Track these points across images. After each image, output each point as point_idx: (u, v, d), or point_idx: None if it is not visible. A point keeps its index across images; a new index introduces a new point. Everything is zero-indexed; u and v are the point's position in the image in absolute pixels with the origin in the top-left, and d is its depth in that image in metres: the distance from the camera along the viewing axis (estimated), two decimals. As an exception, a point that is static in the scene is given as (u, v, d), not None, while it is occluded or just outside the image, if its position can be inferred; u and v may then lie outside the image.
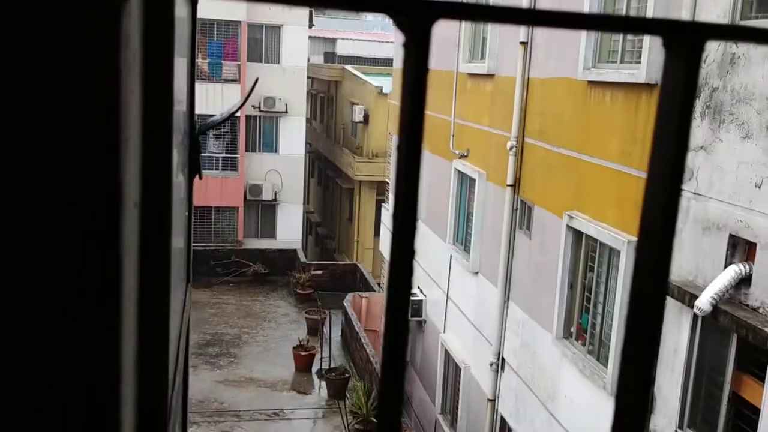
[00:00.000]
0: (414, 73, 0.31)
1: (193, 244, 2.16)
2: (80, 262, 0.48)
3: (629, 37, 8.12)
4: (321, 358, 17.22)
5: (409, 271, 0.40)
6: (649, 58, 7.34)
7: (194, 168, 1.63)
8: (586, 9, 8.60)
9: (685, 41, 0.32)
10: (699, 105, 6.64)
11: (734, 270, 5.96)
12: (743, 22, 6.23)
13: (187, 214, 1.67)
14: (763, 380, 5.82)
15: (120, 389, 0.55)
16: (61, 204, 0.47)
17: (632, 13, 8.05)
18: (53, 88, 0.46)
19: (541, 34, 10.06)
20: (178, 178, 1.30)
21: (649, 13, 7.37)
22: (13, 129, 0.46)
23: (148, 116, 0.55)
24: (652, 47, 7.32)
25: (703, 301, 6.03)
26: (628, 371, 0.47)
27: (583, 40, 8.62)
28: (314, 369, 17.38)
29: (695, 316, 6.45)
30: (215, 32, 24.88)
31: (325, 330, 18.05)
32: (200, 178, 1.67)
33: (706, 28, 0.33)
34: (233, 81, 24.78)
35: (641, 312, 0.45)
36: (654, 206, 0.41)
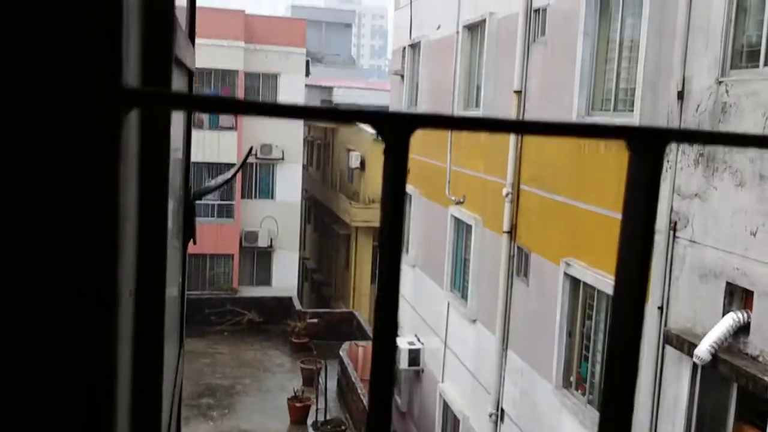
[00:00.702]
0: (393, 177, 0.33)
1: (187, 293, 2.16)
2: (76, 353, 0.49)
3: (622, 85, 8.26)
4: (317, 410, 16.93)
5: (392, 344, 0.41)
6: (642, 106, 7.45)
7: (188, 233, 1.65)
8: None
9: (646, 145, 0.34)
10: (693, 153, 6.72)
11: (732, 318, 5.94)
12: (733, 72, 6.36)
13: (180, 281, 1.68)
14: (764, 430, 5.74)
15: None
16: (58, 300, 0.48)
17: (624, 64, 8.20)
18: (53, 197, 0.47)
19: (535, 82, 10.23)
20: (173, 245, 1.32)
21: (641, 66, 7.49)
22: (13, 231, 0.48)
23: (144, 208, 0.57)
24: (644, 95, 7.44)
25: (702, 350, 6.00)
26: (609, 415, 0.47)
27: (576, 88, 8.76)
28: (309, 421, 17.06)
29: (695, 366, 6.40)
30: (212, 81, 25.23)
31: (320, 380, 17.80)
32: (194, 243, 1.69)
33: (666, 133, 0.35)
34: (230, 129, 25.03)
35: (619, 360, 0.46)
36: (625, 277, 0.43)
